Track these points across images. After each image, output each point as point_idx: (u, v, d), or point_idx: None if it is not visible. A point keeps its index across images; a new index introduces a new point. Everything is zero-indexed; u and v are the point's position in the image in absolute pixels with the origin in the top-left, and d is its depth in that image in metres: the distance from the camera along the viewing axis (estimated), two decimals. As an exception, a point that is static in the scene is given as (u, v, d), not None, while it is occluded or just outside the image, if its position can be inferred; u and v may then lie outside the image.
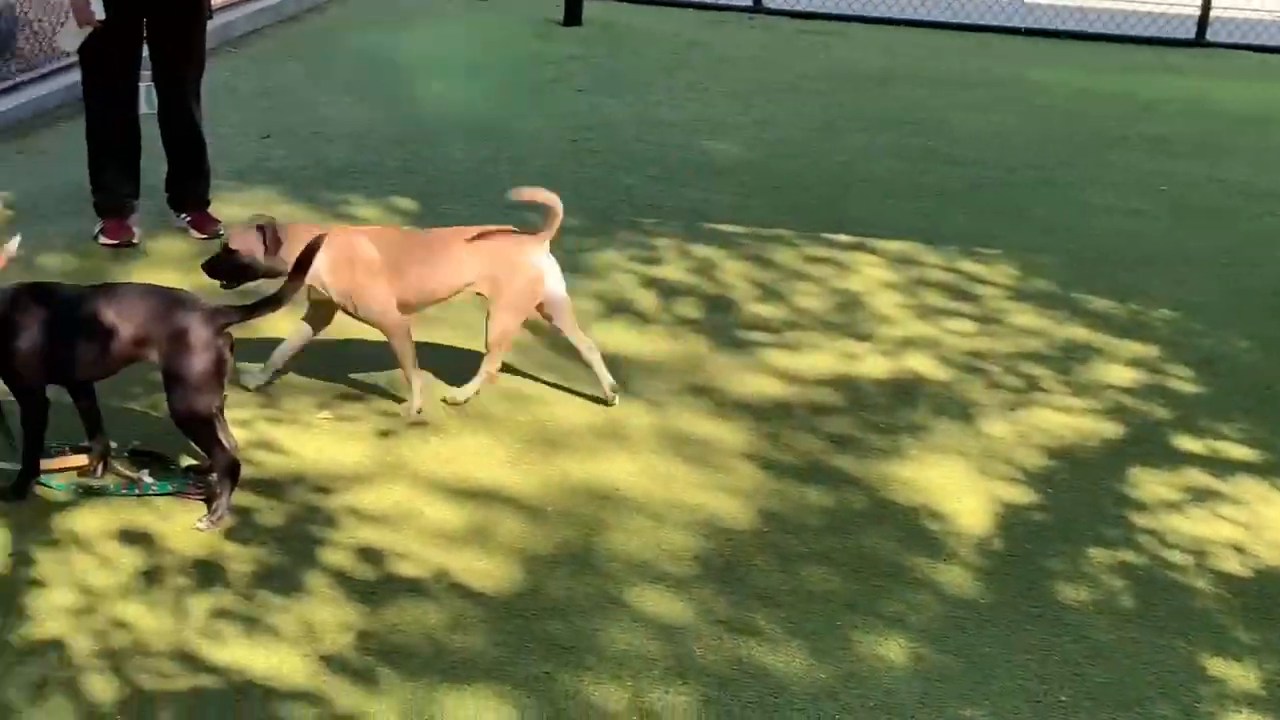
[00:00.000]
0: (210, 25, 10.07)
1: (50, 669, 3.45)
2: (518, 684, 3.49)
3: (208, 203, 6.39)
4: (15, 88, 8.24)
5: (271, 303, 4.16)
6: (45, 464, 4.27)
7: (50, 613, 3.67)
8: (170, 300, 4.14)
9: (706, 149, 8.18)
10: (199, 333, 4.03)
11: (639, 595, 3.87)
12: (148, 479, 4.29)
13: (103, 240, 6.12)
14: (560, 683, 3.50)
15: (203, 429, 4.10)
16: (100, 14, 5.74)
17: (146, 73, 6.26)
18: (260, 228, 4.65)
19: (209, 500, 4.17)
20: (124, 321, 4.06)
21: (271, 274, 4.58)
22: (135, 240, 6.15)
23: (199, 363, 4.03)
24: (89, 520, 4.08)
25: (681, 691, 3.50)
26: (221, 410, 4.18)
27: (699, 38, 11.23)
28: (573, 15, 11.32)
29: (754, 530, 4.24)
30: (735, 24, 11.88)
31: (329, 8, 11.43)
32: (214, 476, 4.16)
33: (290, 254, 4.41)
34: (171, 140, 6.28)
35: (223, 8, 10.37)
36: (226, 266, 4.69)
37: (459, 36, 10.69)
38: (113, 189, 6.14)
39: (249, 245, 4.63)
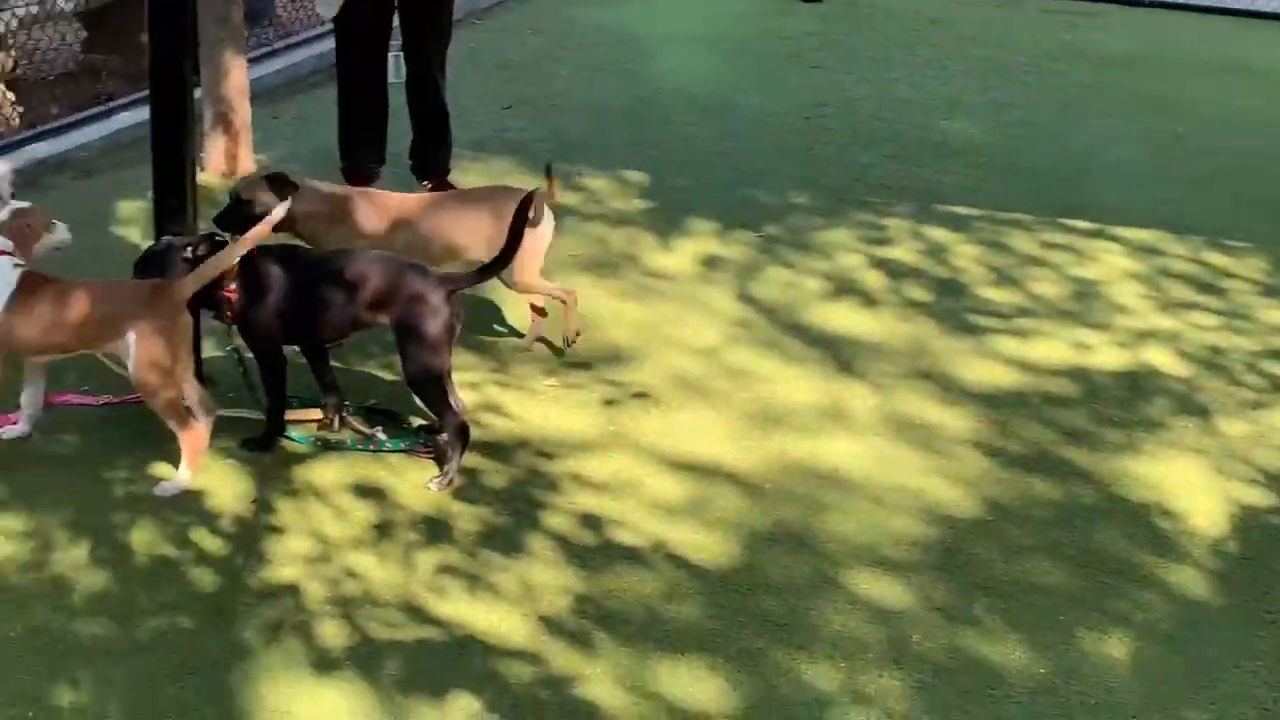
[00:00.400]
0: (457, -3, 10.36)
1: (285, 613, 3.59)
2: (730, 657, 3.50)
3: (448, 171, 6.55)
4: (272, 54, 8.57)
5: (493, 267, 4.27)
6: (288, 415, 4.45)
7: (287, 559, 3.82)
8: (403, 266, 4.26)
9: (943, 129, 8.06)
10: (432, 297, 4.15)
11: (856, 577, 3.85)
12: (381, 435, 4.43)
13: None
14: (773, 659, 3.51)
15: (434, 391, 4.22)
16: None
17: (396, 43, 6.44)
18: (270, 178, 4.75)
19: (438, 460, 4.29)
20: (361, 287, 4.21)
21: (281, 226, 4.52)
22: None
23: (432, 326, 4.15)
24: (326, 473, 4.24)
25: (895, 677, 3.47)
26: (450, 374, 4.30)
27: (941, 15, 11.05)
28: (813, -9, 11.25)
29: (977, 519, 4.17)
30: (979, 3, 11.63)
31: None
32: (444, 438, 4.28)
33: (300, 208, 4.58)
34: (417, 109, 6.45)
35: (470, -21, 10.60)
36: (238, 217, 4.68)
37: (697, 12, 10.72)
38: (359, 155, 6.34)
39: (261, 197, 4.69)
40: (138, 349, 4.04)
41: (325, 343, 4.48)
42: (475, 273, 4.30)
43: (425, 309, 4.16)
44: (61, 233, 4.41)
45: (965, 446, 4.58)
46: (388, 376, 4.80)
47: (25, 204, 4.44)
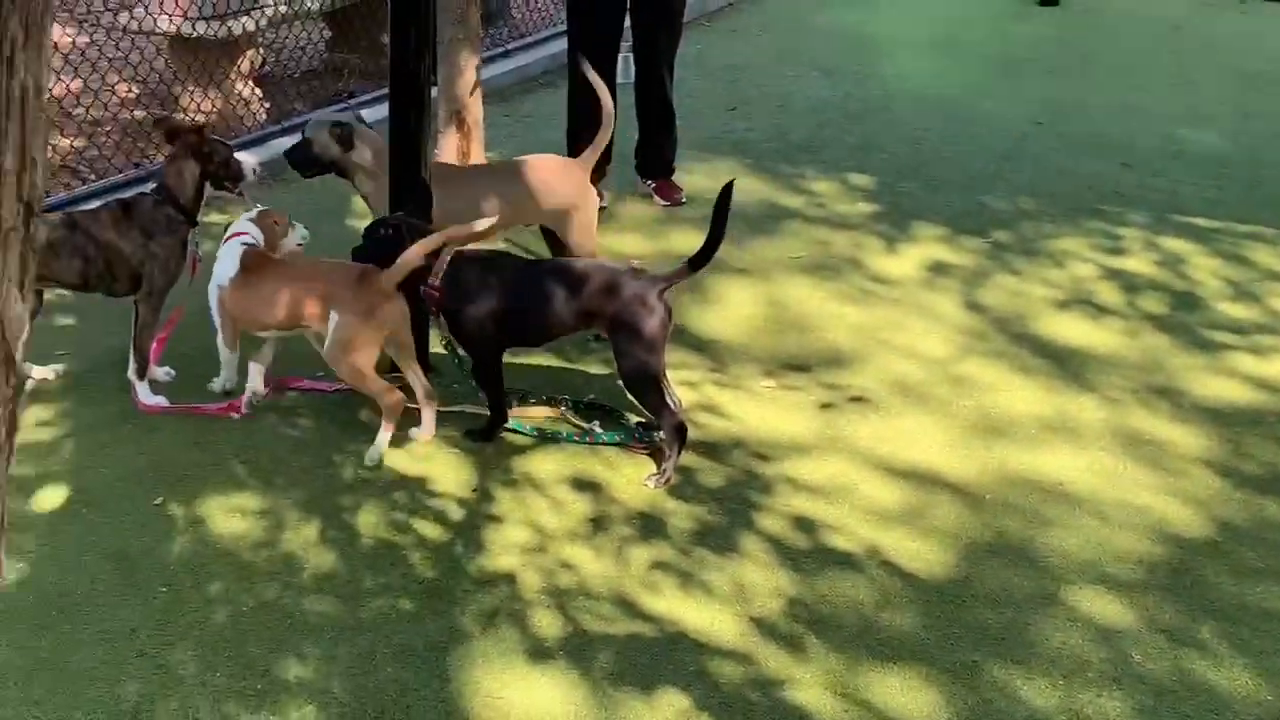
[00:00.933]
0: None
1: (501, 600, 3.67)
2: (944, 669, 3.45)
3: (673, 170, 6.60)
4: (506, 54, 8.75)
5: (691, 267, 4.31)
6: (518, 410, 4.56)
7: (504, 548, 3.90)
8: (615, 272, 4.33)
9: (1181, 137, 7.81)
10: (647, 299, 4.21)
11: (1077, 594, 3.76)
12: (598, 429, 4.49)
13: None
14: (988, 673, 3.44)
15: (651, 390, 4.27)
16: None
17: (627, 44, 6.51)
18: (334, 123, 4.94)
19: (654, 456, 4.33)
20: (574, 294, 4.29)
21: (340, 170, 4.94)
22: (603, 204, 6.43)
23: (647, 328, 4.20)
24: (544, 465, 4.31)
25: (1115, 697, 3.37)
26: (665, 373, 4.33)
27: (1184, 21, 10.72)
28: (1051, -5, 11.03)
29: (1206, 539, 4.03)
30: (1225, 7, 11.26)
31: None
32: (661, 436, 4.32)
33: (361, 156, 4.82)
34: (644, 109, 6.51)
35: (699, -19, 10.67)
36: (300, 155, 4.99)
37: (929, 15, 10.60)
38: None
39: (322, 139, 4.90)
40: (335, 329, 4.25)
41: (534, 346, 4.61)
42: (681, 269, 4.33)
43: (642, 310, 4.21)
44: (300, 233, 4.71)
45: (1196, 464, 4.42)
46: (604, 371, 4.85)
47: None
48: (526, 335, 4.47)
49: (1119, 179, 7.07)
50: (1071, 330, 5.34)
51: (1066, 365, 5.05)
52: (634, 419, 4.58)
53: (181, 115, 7.09)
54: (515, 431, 4.48)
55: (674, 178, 6.60)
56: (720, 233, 4.26)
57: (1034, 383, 4.92)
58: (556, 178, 5.19)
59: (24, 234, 1.22)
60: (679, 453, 4.26)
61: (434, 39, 6.03)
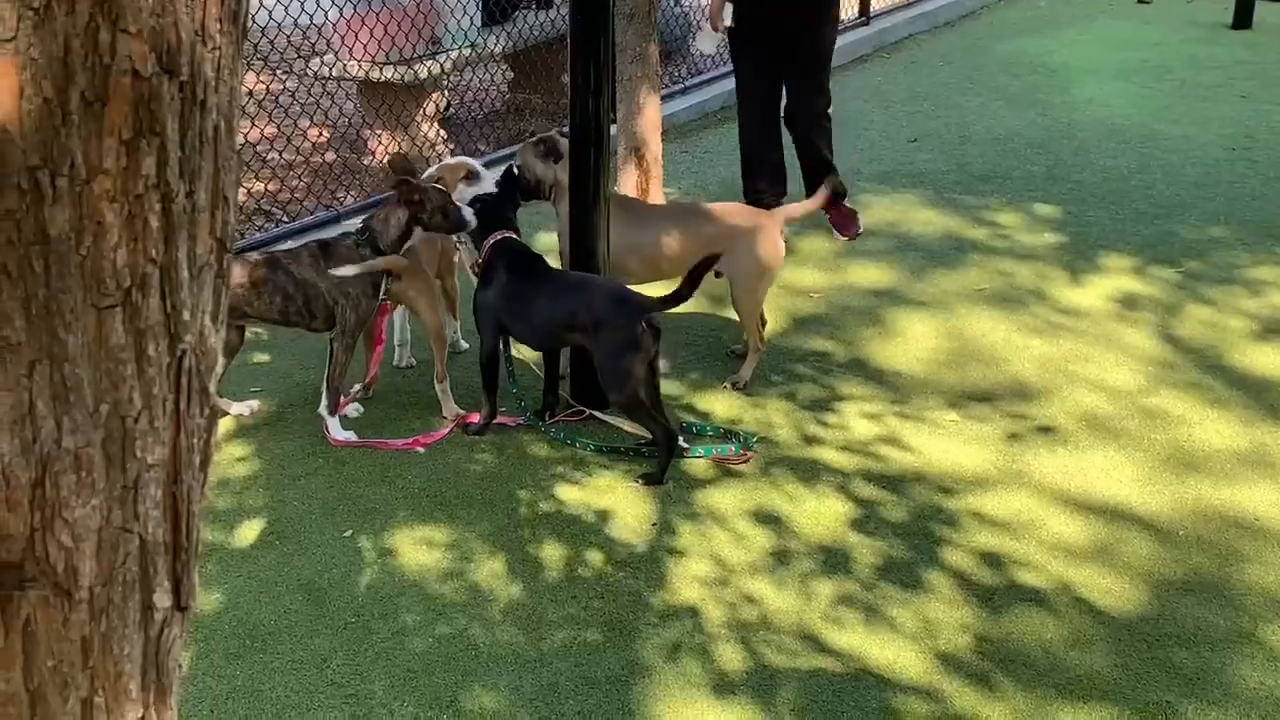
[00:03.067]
0: (866, 31, 10.44)
1: (684, 633, 3.67)
2: (1136, 709, 3.35)
3: (842, 197, 6.52)
4: (685, 91, 8.82)
5: (677, 298, 4.40)
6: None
7: (687, 581, 3.90)
8: (606, 293, 4.49)
9: (1386, 162, 7.51)
10: (626, 323, 4.37)
11: (1276, 633, 3.62)
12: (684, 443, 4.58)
13: None
14: (1182, 715, 3.33)
15: (631, 407, 4.43)
16: (728, 20, 6.10)
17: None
18: (539, 139, 5.09)
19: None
20: (560, 305, 4.52)
21: (544, 192, 5.08)
22: None
23: (623, 348, 4.37)
24: (724, 499, 4.32)
25: (1319, 742, 3.24)
26: (656, 390, 4.50)
27: (1385, 41, 10.32)
28: (1242, 18, 10.75)
29: None
30: None
31: (983, 14, 11.44)
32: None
33: (565, 171, 4.87)
34: (797, 140, 6.48)
35: (880, 13, 10.64)
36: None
37: (1115, 41, 10.39)
38: (757, 187, 6.44)
39: (528, 157, 5.09)
40: None
41: (532, 347, 4.88)
42: (666, 299, 4.44)
43: (617, 333, 4.39)
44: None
45: (1405, 501, 4.24)
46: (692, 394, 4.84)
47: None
48: (515, 334, 4.74)
49: (1317, 205, 6.83)
50: (1269, 361, 5.16)
51: (1263, 397, 4.88)
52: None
53: (371, 158, 7.29)
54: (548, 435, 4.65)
55: (845, 204, 6.53)
56: (694, 285, 4.38)
57: (1229, 415, 4.77)
58: (743, 227, 5.10)
59: (217, 269, 1.27)
60: (668, 459, 4.41)
61: (613, 77, 6.12)
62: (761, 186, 6.46)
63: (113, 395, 1.23)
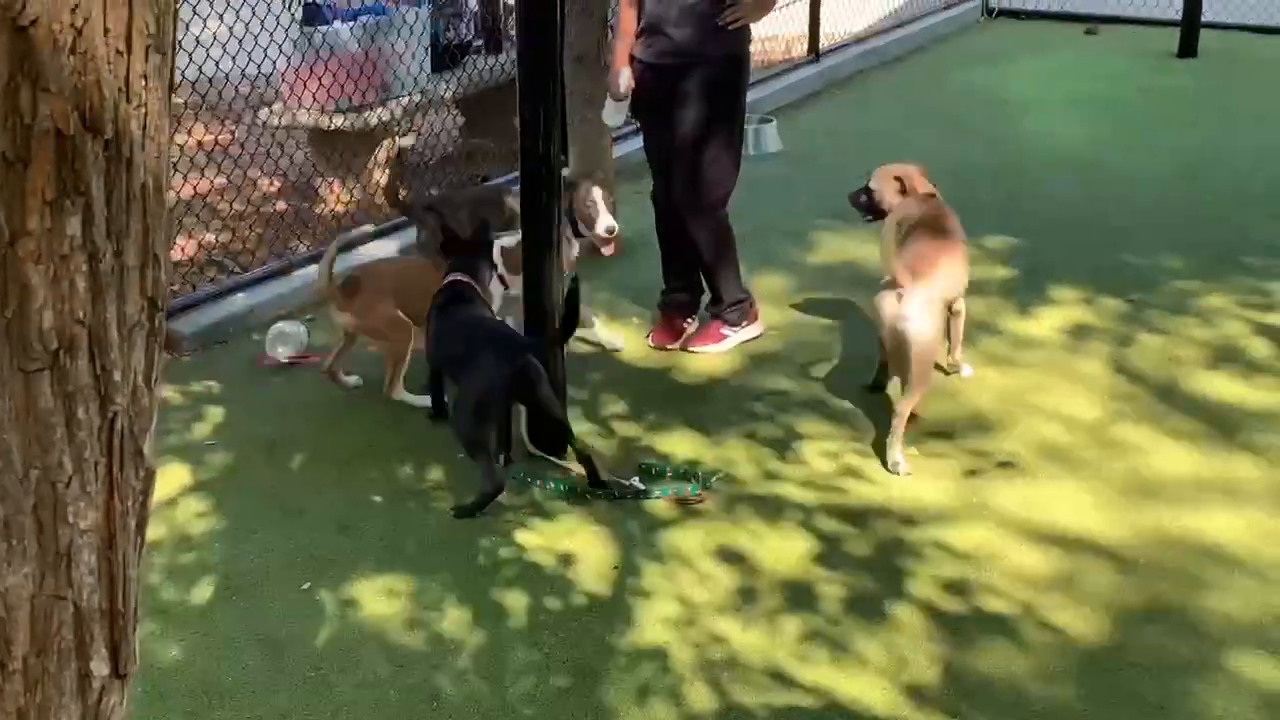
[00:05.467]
0: (816, 68, 10.49)
1: (652, 676, 3.64)
2: (1103, 740, 3.35)
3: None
4: (637, 131, 8.81)
5: (557, 340, 4.65)
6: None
7: (653, 623, 3.88)
8: (481, 332, 4.63)
9: (1332, 186, 7.59)
10: (490, 366, 4.49)
11: (1239, 660, 3.62)
12: (638, 483, 4.59)
13: None
14: (1149, 744, 3.34)
15: (473, 449, 4.49)
16: (622, 87, 5.62)
17: (755, 115, 6.52)
18: (898, 176, 5.42)
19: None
20: (450, 340, 4.70)
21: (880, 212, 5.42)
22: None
23: (477, 390, 4.48)
24: (688, 539, 4.29)
25: (1285, 767, 3.24)
26: (555, 423, 4.64)
27: (1328, 66, 10.46)
28: (1188, 46, 10.85)
29: (1376, 600, 3.87)
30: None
31: (933, 48, 11.53)
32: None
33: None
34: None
35: (829, 50, 10.70)
36: (865, 201, 5.54)
37: (1064, 71, 10.48)
38: (665, 282, 6.17)
39: (884, 188, 5.41)
40: None
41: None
42: (550, 338, 4.64)
43: (478, 375, 4.49)
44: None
45: (1363, 522, 4.26)
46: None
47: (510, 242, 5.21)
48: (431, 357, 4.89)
49: (1267, 231, 6.88)
50: (1223, 388, 5.19)
51: (1219, 424, 4.91)
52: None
53: (323, 206, 7.27)
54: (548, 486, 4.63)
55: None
56: (574, 318, 4.55)
57: (1186, 443, 4.79)
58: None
59: (149, 329, 1.25)
60: (484, 502, 4.42)
61: (564, 120, 6.11)
62: (669, 282, 5.88)
63: (42, 460, 1.21)
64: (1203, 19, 10.99)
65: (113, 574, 1.27)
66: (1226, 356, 5.47)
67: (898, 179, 5.44)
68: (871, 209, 5.53)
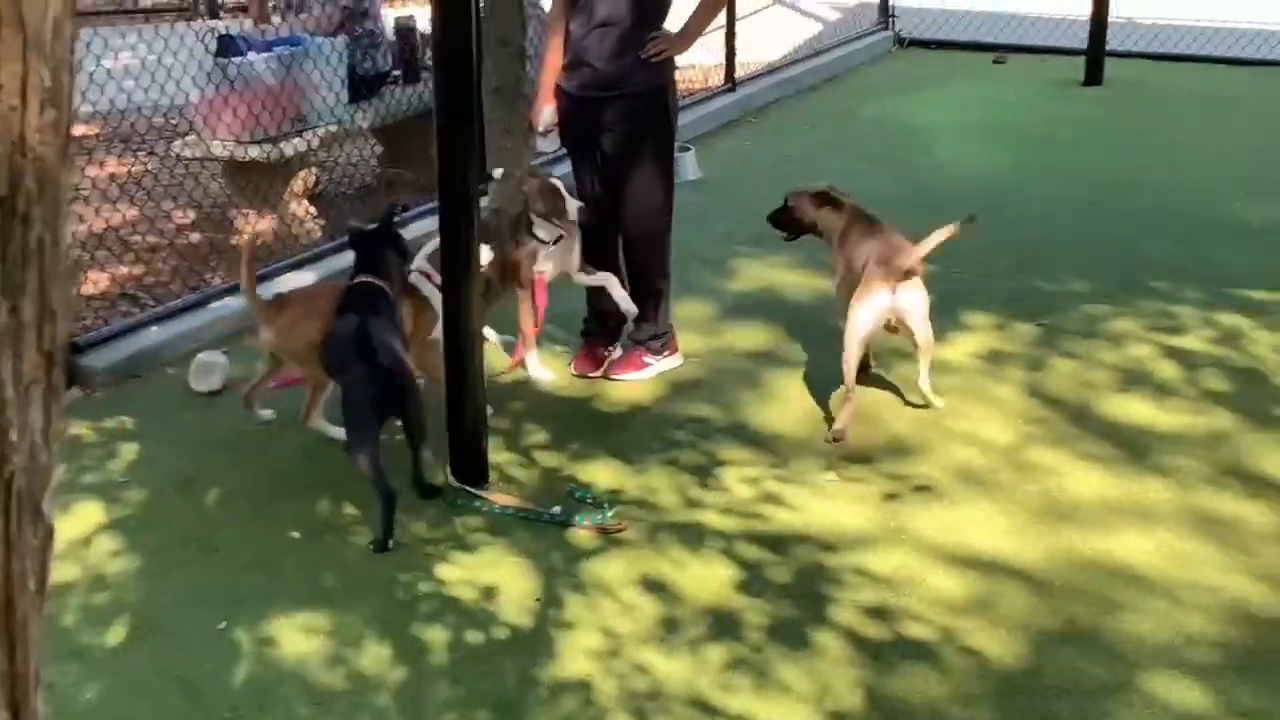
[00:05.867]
0: (732, 97, 10.56)
1: (576, 708, 3.64)
2: (1021, 762, 3.38)
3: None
4: (556, 160, 8.83)
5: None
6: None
7: (576, 654, 3.87)
8: (356, 336, 4.61)
9: (1235, 210, 7.76)
10: (358, 369, 4.54)
11: (1152, 680, 3.68)
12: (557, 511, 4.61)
13: None
14: (1066, 765, 3.38)
15: (358, 455, 4.50)
16: (540, 124, 5.67)
17: (679, 142, 6.56)
18: (812, 194, 5.64)
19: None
20: (337, 347, 4.70)
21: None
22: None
23: (358, 399, 4.57)
24: (610, 569, 4.30)
25: (1198, 785, 3.29)
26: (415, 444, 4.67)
27: (1231, 94, 10.71)
28: (1094, 75, 11.04)
29: (1283, 618, 3.95)
30: (1272, 79, 11.26)
31: (847, 77, 11.65)
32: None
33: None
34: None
35: (746, 79, 10.78)
36: (784, 220, 5.74)
37: (975, 100, 10.64)
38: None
39: (801, 206, 5.61)
40: None
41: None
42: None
43: (357, 382, 4.54)
44: None
45: (1270, 542, 4.34)
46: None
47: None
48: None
49: (1173, 255, 7.02)
50: (1134, 411, 5.28)
51: (1131, 447, 4.99)
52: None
53: (238, 237, 7.22)
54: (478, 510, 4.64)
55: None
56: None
57: (1099, 465, 4.87)
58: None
59: (46, 385, 1.24)
60: (388, 521, 4.42)
61: (483, 149, 6.10)
62: (593, 310, 5.88)
63: (-66, 522, 1.19)
64: (1108, 48, 11.20)
65: (12, 636, 1.25)
66: (1136, 379, 5.56)
67: (813, 197, 5.55)
68: (790, 227, 5.65)
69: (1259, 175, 8.48)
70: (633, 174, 5.53)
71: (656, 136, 5.58)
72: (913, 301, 5.21)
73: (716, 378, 5.71)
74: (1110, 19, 11.27)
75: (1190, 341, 5.91)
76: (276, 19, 8.05)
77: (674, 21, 5.60)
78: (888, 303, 5.15)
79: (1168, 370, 5.64)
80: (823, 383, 5.55)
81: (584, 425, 5.32)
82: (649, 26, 5.42)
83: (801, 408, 5.38)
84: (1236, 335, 5.96)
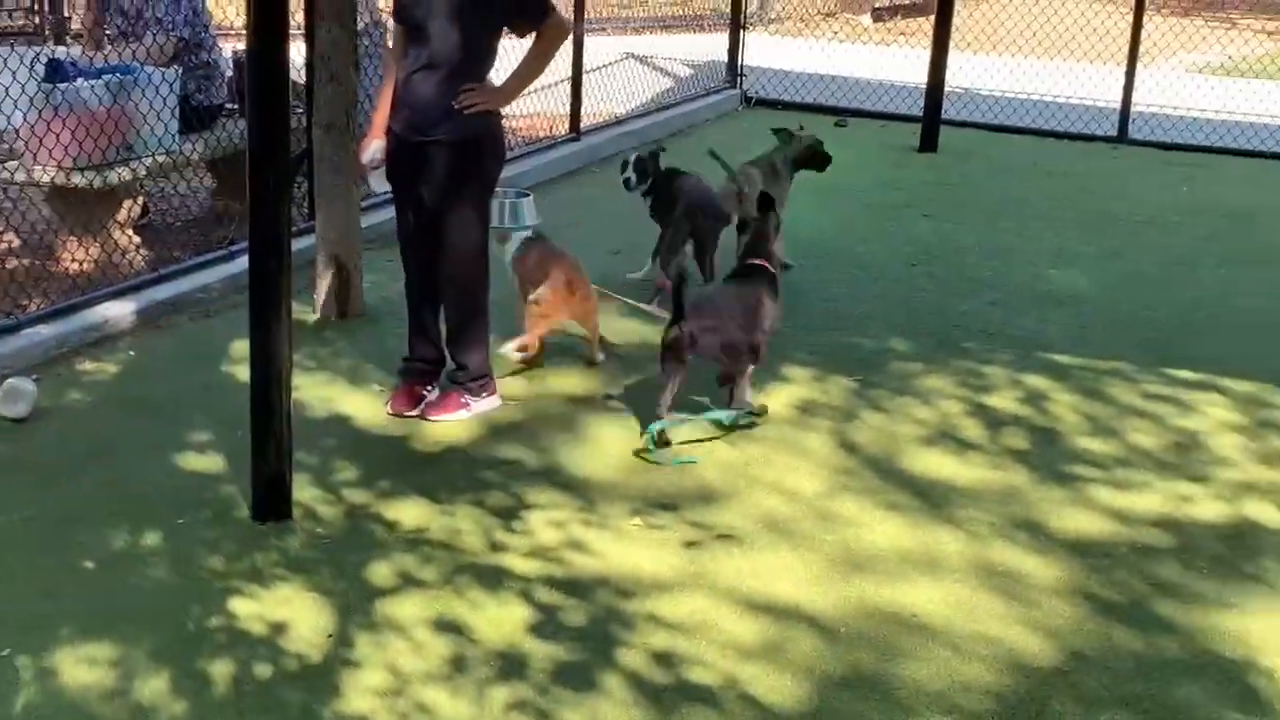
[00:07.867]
0: (576, 146, 10.65)
1: (353, 745, 3.63)
2: (794, 803, 3.45)
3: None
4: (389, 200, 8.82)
5: None
6: None
7: (360, 692, 3.85)
8: None
9: (1049, 277, 8.04)
10: None
11: (926, 725, 3.78)
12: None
13: None
14: (837, 806, 3.44)
15: None
16: (366, 158, 5.72)
17: (513, 189, 6.62)
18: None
19: None
20: None
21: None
22: None
23: None
24: (405, 607, 4.29)
25: (961, 828, 3.38)
26: None
27: (1058, 167, 11.09)
28: (928, 141, 11.37)
29: (1055, 669, 4.07)
30: (1097, 154, 11.67)
31: (691, 133, 11.83)
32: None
33: None
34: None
35: (591, 129, 10.90)
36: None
37: (811, 161, 10.83)
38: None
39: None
40: None
41: None
42: None
43: None
44: None
45: (1050, 595, 4.49)
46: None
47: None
48: None
49: (987, 318, 7.25)
50: (937, 466, 5.43)
51: (930, 499, 5.13)
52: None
53: (57, 264, 7.09)
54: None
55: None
56: None
57: (897, 517, 4.99)
58: None
59: None
60: None
61: (312, 187, 6.09)
62: (413, 350, 5.90)
63: None
64: (945, 116, 11.56)
65: None
66: (942, 435, 5.72)
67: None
68: None
69: (1074, 246, 8.79)
70: (448, 218, 5.55)
71: (471, 185, 5.56)
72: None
73: (533, 421, 5.74)
74: (948, 89, 11.64)
75: (996, 400, 6.10)
76: (109, 47, 7.93)
77: (515, 59, 5.60)
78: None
79: (972, 428, 5.81)
80: (637, 428, 5.61)
81: (395, 464, 5.31)
82: (472, 74, 5.44)
83: (614, 452, 5.43)
84: (1040, 396, 6.17)
